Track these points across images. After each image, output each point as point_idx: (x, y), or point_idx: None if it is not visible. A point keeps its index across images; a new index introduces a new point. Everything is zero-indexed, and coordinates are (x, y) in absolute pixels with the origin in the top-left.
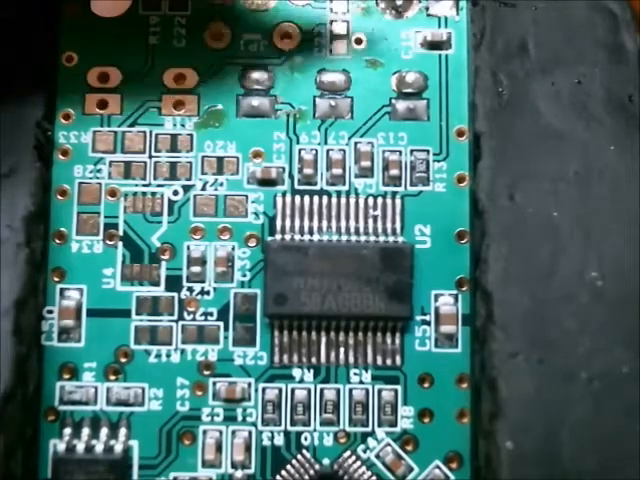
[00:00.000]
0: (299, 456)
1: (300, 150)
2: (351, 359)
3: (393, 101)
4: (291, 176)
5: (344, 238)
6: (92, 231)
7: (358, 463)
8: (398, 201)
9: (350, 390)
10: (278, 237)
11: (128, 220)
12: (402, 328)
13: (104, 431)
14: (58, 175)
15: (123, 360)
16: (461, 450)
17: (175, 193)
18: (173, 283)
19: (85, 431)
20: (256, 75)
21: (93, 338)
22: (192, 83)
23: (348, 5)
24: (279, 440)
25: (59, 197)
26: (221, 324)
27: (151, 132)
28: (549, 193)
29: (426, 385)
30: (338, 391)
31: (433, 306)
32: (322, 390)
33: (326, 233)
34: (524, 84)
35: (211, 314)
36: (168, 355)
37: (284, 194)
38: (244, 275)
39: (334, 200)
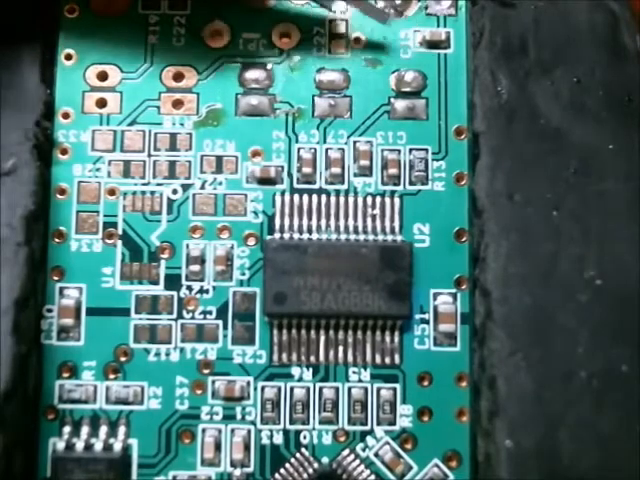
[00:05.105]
0: (298, 455)
1: (299, 149)
2: (350, 358)
3: (392, 100)
4: (290, 175)
5: (343, 237)
6: (91, 230)
7: (357, 462)
8: (397, 200)
9: (349, 389)
10: (277, 236)
11: (127, 219)
12: (401, 327)
13: (103, 429)
14: (57, 174)
15: (122, 359)
16: (460, 449)
17: (174, 192)
18: (172, 282)
19: (84, 430)
20: (255, 74)
21: (92, 337)
22: (191, 82)
23: (347, 4)
24: (278, 439)
25: (58, 196)
26: (220, 323)
27: (150, 131)
28: (548, 192)
29: (425, 384)
30: (337, 390)
31: (432, 305)
32: (321, 389)
33: (325, 232)
34: (523, 83)
35: (210, 313)
36: (167, 354)
37: (283, 193)
38: (243, 274)
39: (333, 199)
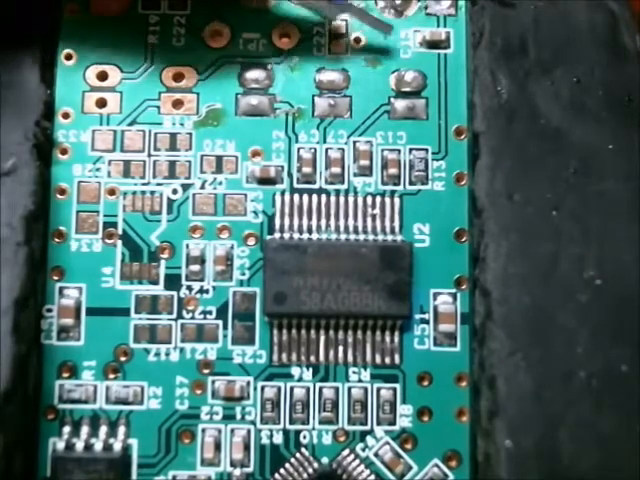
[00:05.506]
0: (298, 455)
1: (299, 149)
2: (350, 358)
3: (392, 100)
4: (290, 175)
5: (343, 237)
6: (91, 230)
7: (357, 462)
8: (397, 200)
9: (349, 389)
10: (277, 236)
11: (127, 219)
12: (401, 327)
13: (103, 429)
14: (57, 174)
15: (122, 359)
16: (460, 449)
17: (174, 192)
18: (172, 282)
19: (84, 429)
20: (255, 74)
21: (92, 337)
22: (191, 82)
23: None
24: (278, 439)
25: (58, 196)
26: (220, 323)
27: (150, 131)
28: (548, 192)
29: (425, 384)
30: (337, 390)
31: (432, 305)
32: (321, 389)
33: (325, 232)
34: (523, 83)
35: (210, 313)
36: (167, 354)
37: (283, 193)
38: (243, 274)
39: (333, 199)
